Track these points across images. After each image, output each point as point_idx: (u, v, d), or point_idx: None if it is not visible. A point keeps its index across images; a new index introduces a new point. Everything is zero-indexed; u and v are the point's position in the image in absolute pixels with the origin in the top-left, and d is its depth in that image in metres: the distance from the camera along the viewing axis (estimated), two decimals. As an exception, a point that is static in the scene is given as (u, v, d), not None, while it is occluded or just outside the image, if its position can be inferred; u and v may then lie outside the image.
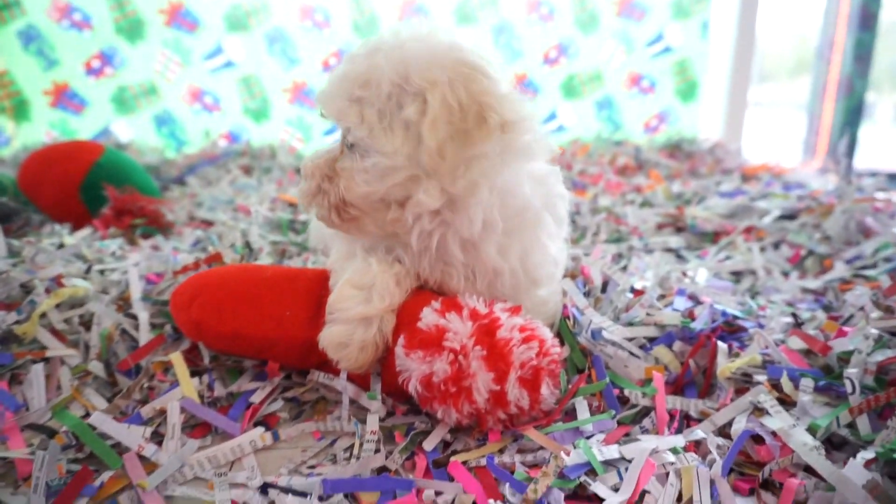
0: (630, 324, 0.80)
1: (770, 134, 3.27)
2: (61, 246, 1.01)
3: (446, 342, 0.62)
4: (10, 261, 0.89)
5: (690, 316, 0.82)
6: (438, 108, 0.60)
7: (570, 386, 0.71)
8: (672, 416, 0.68)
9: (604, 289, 0.94)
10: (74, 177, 1.37)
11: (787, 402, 0.67)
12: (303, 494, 0.58)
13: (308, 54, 2.31)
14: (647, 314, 0.79)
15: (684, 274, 1.01)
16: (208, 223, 1.43)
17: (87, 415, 0.69)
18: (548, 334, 0.67)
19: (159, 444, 0.67)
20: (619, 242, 1.33)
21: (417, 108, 0.61)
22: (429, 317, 0.65)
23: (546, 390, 0.65)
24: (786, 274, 1.11)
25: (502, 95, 0.63)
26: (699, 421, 0.68)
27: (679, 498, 0.54)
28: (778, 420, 0.63)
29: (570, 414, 0.69)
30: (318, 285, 0.77)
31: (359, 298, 0.69)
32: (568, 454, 0.57)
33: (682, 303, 0.85)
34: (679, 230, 1.42)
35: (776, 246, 1.26)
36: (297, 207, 1.58)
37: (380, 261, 0.71)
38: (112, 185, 1.37)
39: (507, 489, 0.56)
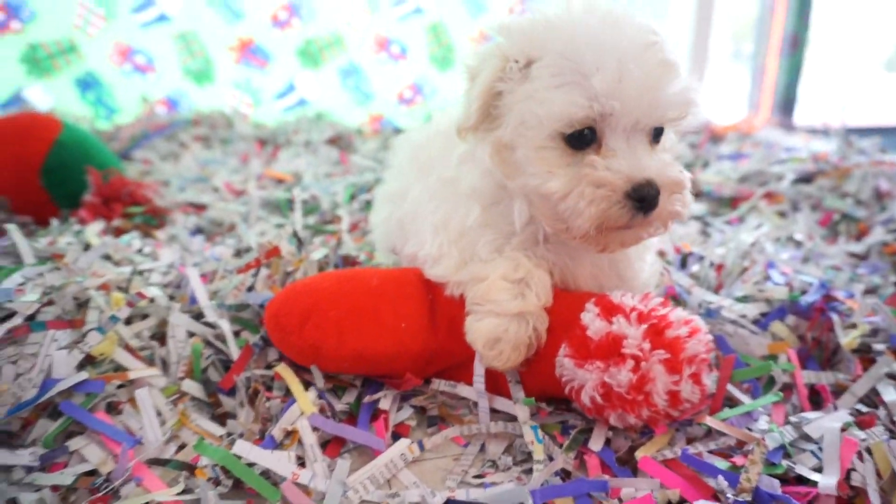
0: (737, 300, 0.85)
1: (715, 86, 3.46)
2: (87, 246, 0.91)
3: (625, 349, 0.63)
4: (42, 268, 0.80)
5: (788, 288, 0.88)
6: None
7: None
8: (816, 391, 0.74)
9: (683, 264, 0.99)
10: (33, 159, 1.24)
11: (912, 369, 0.74)
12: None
13: (254, 6, 2.17)
14: (759, 290, 0.84)
15: (752, 245, 1.08)
16: (199, 207, 1.34)
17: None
18: (702, 322, 0.70)
19: (300, 466, 0.64)
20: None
21: None
22: (595, 323, 0.66)
23: (707, 379, 0.68)
24: (825, 238, 1.20)
25: None
26: (834, 393, 0.75)
27: (878, 474, 0.60)
28: (921, 388, 0.70)
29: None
30: (425, 289, 0.75)
31: (513, 292, 0.68)
32: (763, 440, 0.61)
33: (778, 276, 0.90)
34: (695, 196, 1.49)
35: (795, 209, 1.36)
36: (288, 185, 1.51)
37: (527, 257, 0.70)
38: (77, 166, 1.26)
39: (720, 482, 0.59)
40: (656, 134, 0.67)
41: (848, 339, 0.77)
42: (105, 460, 0.62)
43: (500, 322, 0.68)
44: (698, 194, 1.48)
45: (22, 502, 0.55)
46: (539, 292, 0.69)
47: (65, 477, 0.59)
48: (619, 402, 0.64)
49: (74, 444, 0.63)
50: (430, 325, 0.74)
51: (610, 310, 0.67)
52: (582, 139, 0.64)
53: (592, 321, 0.66)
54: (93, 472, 0.61)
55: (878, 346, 0.78)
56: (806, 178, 1.43)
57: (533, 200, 0.69)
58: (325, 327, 0.71)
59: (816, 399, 0.75)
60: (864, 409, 0.68)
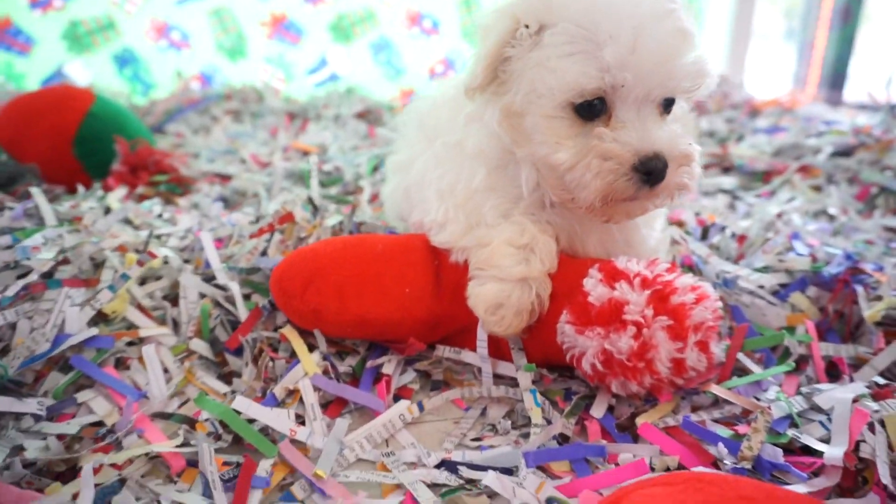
0: (757, 271, 0.82)
1: (757, 64, 3.33)
2: (108, 210, 0.94)
3: (627, 315, 0.61)
4: (65, 229, 0.82)
5: (812, 260, 0.84)
6: None
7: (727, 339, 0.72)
8: (834, 364, 0.71)
9: (704, 235, 0.96)
10: (66, 130, 1.26)
11: (940, 344, 0.70)
12: (506, 470, 0.58)
13: (286, -18, 2.18)
14: (780, 260, 0.81)
15: (779, 216, 1.04)
16: (224, 177, 1.36)
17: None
18: (711, 289, 0.67)
19: (300, 425, 0.65)
20: (671, 184, 1.35)
21: None
22: (597, 289, 0.64)
23: (715, 347, 0.66)
24: (861, 212, 1.15)
25: None
26: (853, 366, 0.71)
27: (890, 446, 0.57)
28: (946, 362, 0.66)
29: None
30: (431, 254, 0.74)
31: (518, 257, 0.67)
32: (768, 409, 0.59)
33: (802, 247, 0.87)
34: (726, 170, 1.45)
35: (832, 183, 1.30)
36: (312, 156, 1.52)
37: (532, 222, 0.69)
38: (108, 137, 1.28)
39: (720, 449, 0.57)
40: (667, 103, 0.65)
41: (871, 312, 0.74)
42: (111, 412, 0.64)
43: (502, 287, 0.67)
44: (729, 168, 1.43)
45: (28, 448, 0.57)
46: (543, 258, 0.68)
47: (71, 427, 0.61)
48: (621, 370, 0.62)
49: (82, 396, 0.65)
50: (435, 290, 0.73)
51: (613, 275, 0.65)
52: (592, 109, 0.63)
53: (595, 287, 0.64)
54: (99, 424, 0.63)
55: (904, 320, 0.74)
56: (845, 152, 1.36)
57: (540, 169, 0.68)
58: (326, 292, 0.71)
59: (836, 373, 0.72)
60: (882, 381, 0.65)
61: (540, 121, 0.64)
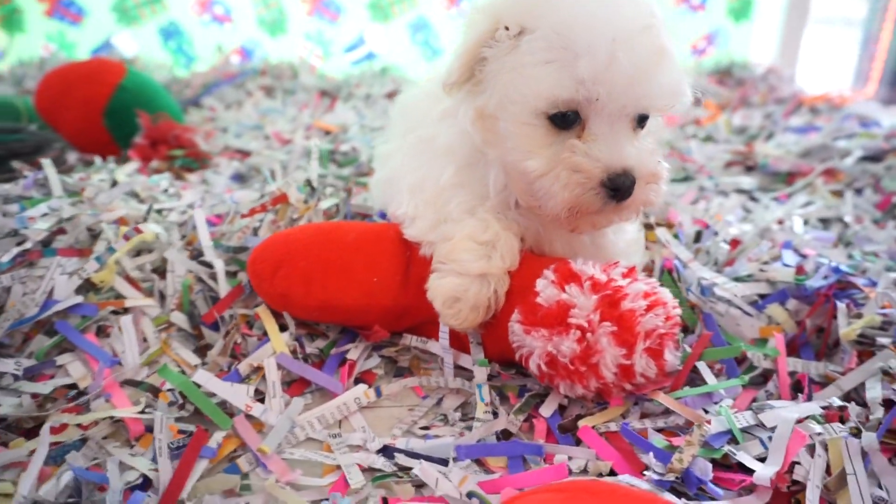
0: (737, 279, 0.80)
1: (818, 54, 3.17)
2: (114, 183, 0.99)
3: (572, 319, 0.62)
4: (68, 200, 0.87)
5: (799, 271, 0.82)
6: None
7: (688, 347, 0.72)
8: (798, 381, 0.69)
9: (697, 238, 0.94)
10: (97, 101, 1.32)
11: (916, 368, 0.68)
12: (441, 461, 0.59)
13: (329, -41, 2.20)
14: (761, 270, 0.79)
15: (780, 222, 1.01)
16: (244, 153, 1.40)
17: (182, 371, 0.70)
18: (669, 296, 0.66)
19: (259, 401, 0.68)
20: (687, 182, 1.32)
21: None
22: (547, 290, 0.64)
23: (670, 355, 0.65)
24: (876, 222, 1.10)
25: None
26: (821, 385, 0.70)
27: (828, 470, 0.56)
28: (913, 387, 0.64)
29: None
30: (403, 246, 0.76)
31: (479, 253, 0.68)
32: (709, 423, 0.59)
33: (790, 257, 0.84)
34: (749, 169, 1.40)
35: (858, 191, 1.25)
36: (334, 136, 1.55)
37: (497, 219, 0.70)
38: (137, 110, 1.34)
39: (650, 459, 0.57)
40: (642, 118, 0.65)
41: (846, 330, 0.72)
42: (85, 376, 0.68)
43: (461, 282, 0.68)
44: (753, 167, 1.39)
45: (2, 405, 0.62)
46: (504, 255, 0.69)
47: (45, 387, 0.65)
48: (565, 373, 0.63)
49: (62, 359, 0.69)
50: (403, 281, 0.74)
51: (567, 277, 0.65)
52: (566, 119, 0.63)
53: (545, 287, 0.64)
54: (73, 386, 0.68)
55: (883, 340, 0.71)
56: (875, 157, 1.30)
57: (509, 173, 0.69)
58: (293, 277, 0.73)
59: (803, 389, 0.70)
60: (839, 403, 0.63)
61: (513, 127, 0.65)
